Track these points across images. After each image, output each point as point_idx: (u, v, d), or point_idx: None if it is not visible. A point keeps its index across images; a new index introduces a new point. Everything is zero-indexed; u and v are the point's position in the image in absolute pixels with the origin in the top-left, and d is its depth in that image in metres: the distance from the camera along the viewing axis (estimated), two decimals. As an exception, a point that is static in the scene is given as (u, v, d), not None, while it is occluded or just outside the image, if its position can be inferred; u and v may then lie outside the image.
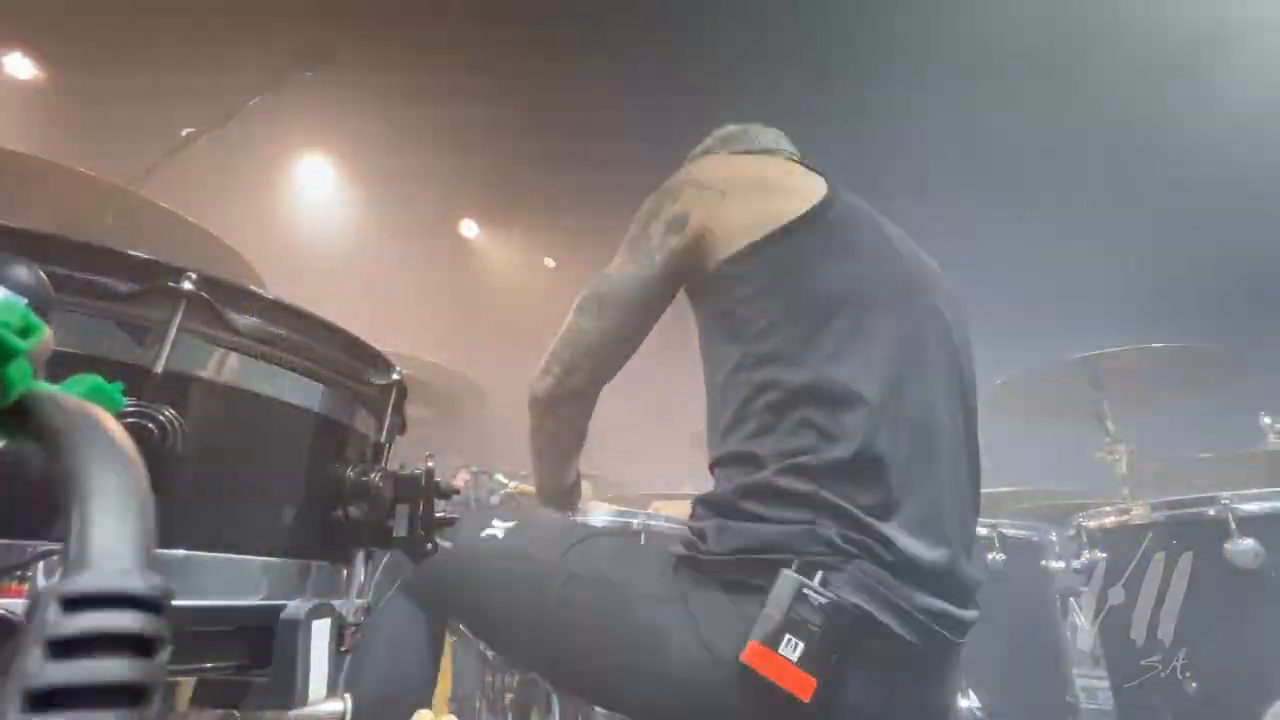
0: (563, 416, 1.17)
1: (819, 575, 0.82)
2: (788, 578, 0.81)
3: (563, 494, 1.32)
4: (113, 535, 0.26)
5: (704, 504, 0.95)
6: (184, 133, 2.11)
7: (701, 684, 0.84)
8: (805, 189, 1.05)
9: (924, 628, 0.84)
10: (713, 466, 0.99)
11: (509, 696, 1.86)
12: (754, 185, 1.06)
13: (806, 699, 0.75)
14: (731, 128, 1.35)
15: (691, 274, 1.07)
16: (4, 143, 1.37)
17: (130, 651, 0.24)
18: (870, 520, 0.85)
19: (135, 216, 1.54)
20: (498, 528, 1.09)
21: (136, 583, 0.25)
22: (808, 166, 1.16)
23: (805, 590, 0.79)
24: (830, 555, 0.83)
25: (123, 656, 0.24)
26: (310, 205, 4.00)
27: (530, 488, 1.59)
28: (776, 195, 1.04)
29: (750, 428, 0.94)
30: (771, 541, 0.85)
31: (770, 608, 0.80)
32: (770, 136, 1.33)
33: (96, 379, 0.37)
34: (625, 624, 0.92)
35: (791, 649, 0.77)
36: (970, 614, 0.92)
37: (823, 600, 0.79)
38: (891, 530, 0.85)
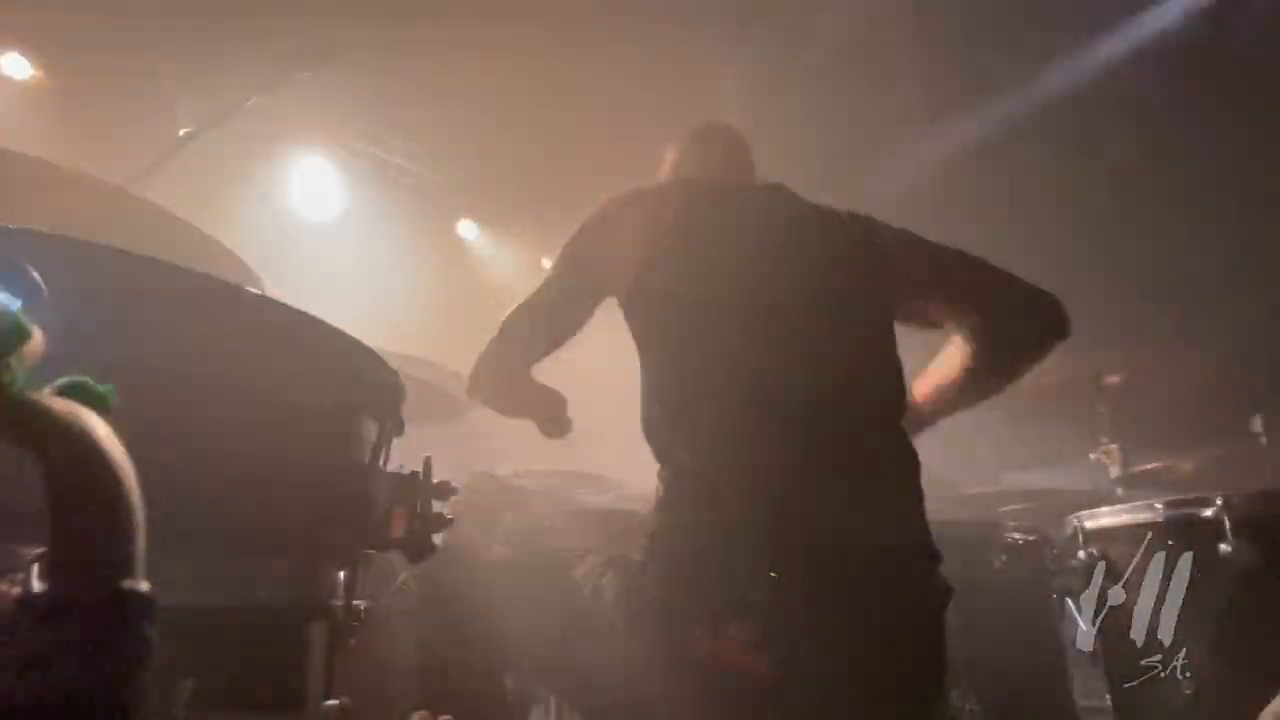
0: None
1: (761, 558, 0.86)
2: (729, 564, 0.86)
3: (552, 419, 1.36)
4: (95, 542, 0.25)
5: (650, 513, 1.02)
6: (181, 133, 2.11)
7: (669, 681, 0.88)
8: (667, 216, 1.15)
9: (867, 591, 0.89)
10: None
11: (508, 697, 1.86)
12: (636, 225, 1.17)
13: (763, 676, 0.81)
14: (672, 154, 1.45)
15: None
16: (2, 143, 1.36)
17: (109, 661, 0.23)
18: (792, 511, 0.91)
19: (132, 217, 1.54)
20: (496, 554, 1.26)
21: (119, 590, 0.25)
22: (690, 181, 1.29)
23: (748, 574, 0.85)
24: (765, 538, 0.88)
25: (100, 667, 0.23)
26: (308, 206, 3.99)
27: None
28: (650, 230, 1.15)
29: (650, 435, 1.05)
30: (709, 534, 0.91)
31: (716, 597, 0.85)
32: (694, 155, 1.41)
33: (87, 381, 0.36)
34: (597, 640, 0.99)
35: (741, 631, 0.82)
36: (908, 568, 0.96)
37: (764, 580, 0.84)
38: (811, 516, 0.91)
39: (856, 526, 0.91)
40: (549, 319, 1.25)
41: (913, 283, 1.16)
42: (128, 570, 0.25)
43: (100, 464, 0.28)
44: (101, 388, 0.36)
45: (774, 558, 0.87)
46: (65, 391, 0.35)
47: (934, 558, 0.98)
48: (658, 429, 1.04)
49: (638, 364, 1.23)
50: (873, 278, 1.15)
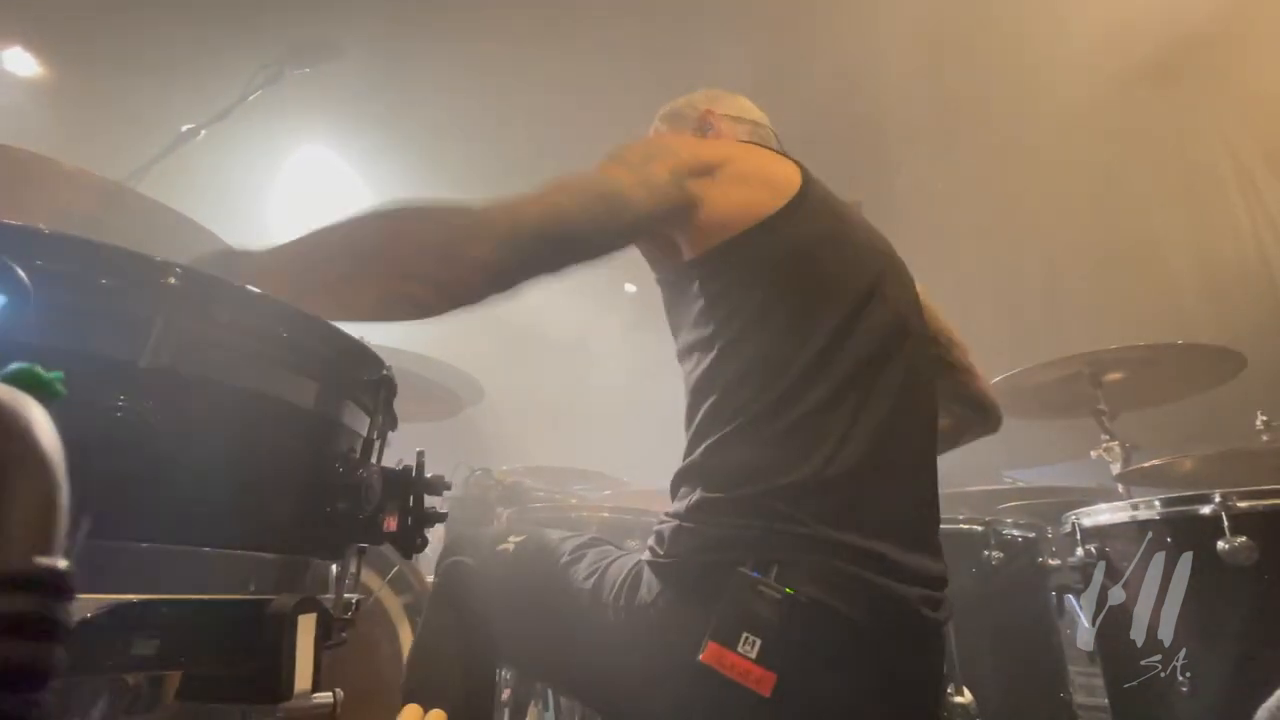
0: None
1: (774, 570, 0.81)
2: (742, 575, 0.81)
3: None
4: (11, 519, 0.26)
5: (671, 510, 0.95)
6: (183, 128, 2.11)
7: (668, 686, 0.84)
8: (783, 179, 1.01)
9: (883, 613, 0.84)
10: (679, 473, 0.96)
11: (505, 693, 1.87)
12: (740, 177, 1.01)
13: (767, 694, 0.76)
14: (680, 103, 1.33)
15: (666, 239, 1.02)
16: (3, 139, 1.37)
17: (21, 638, 0.24)
18: (824, 526, 0.84)
19: (132, 212, 1.54)
20: (509, 543, 1.12)
21: (35, 566, 0.25)
22: (778, 152, 1.12)
23: (761, 587, 0.80)
24: (783, 549, 0.83)
25: (10, 644, 0.24)
26: (310, 201, 3.99)
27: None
28: (758, 187, 1.00)
29: (719, 439, 0.91)
30: (725, 540, 0.85)
31: (725, 606, 0.80)
32: (737, 107, 1.30)
33: (33, 367, 0.36)
34: (599, 632, 0.93)
35: (750, 646, 0.77)
36: (927, 592, 0.90)
37: (778, 595, 0.79)
38: (844, 532, 0.84)
39: (888, 556, 0.85)
40: (632, 229, 0.95)
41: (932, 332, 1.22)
42: (45, 548, 0.26)
43: (26, 445, 0.28)
44: (48, 374, 0.36)
45: (797, 572, 0.81)
46: (10, 378, 0.35)
47: (944, 592, 0.94)
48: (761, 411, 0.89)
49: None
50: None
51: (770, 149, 1.17)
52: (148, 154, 2.02)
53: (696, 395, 0.98)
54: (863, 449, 0.89)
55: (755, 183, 1.01)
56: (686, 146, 1.04)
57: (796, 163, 1.07)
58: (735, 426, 0.90)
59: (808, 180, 1.02)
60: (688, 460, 0.95)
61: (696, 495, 0.90)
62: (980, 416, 1.34)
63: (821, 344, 0.92)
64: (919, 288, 1.18)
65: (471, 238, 0.85)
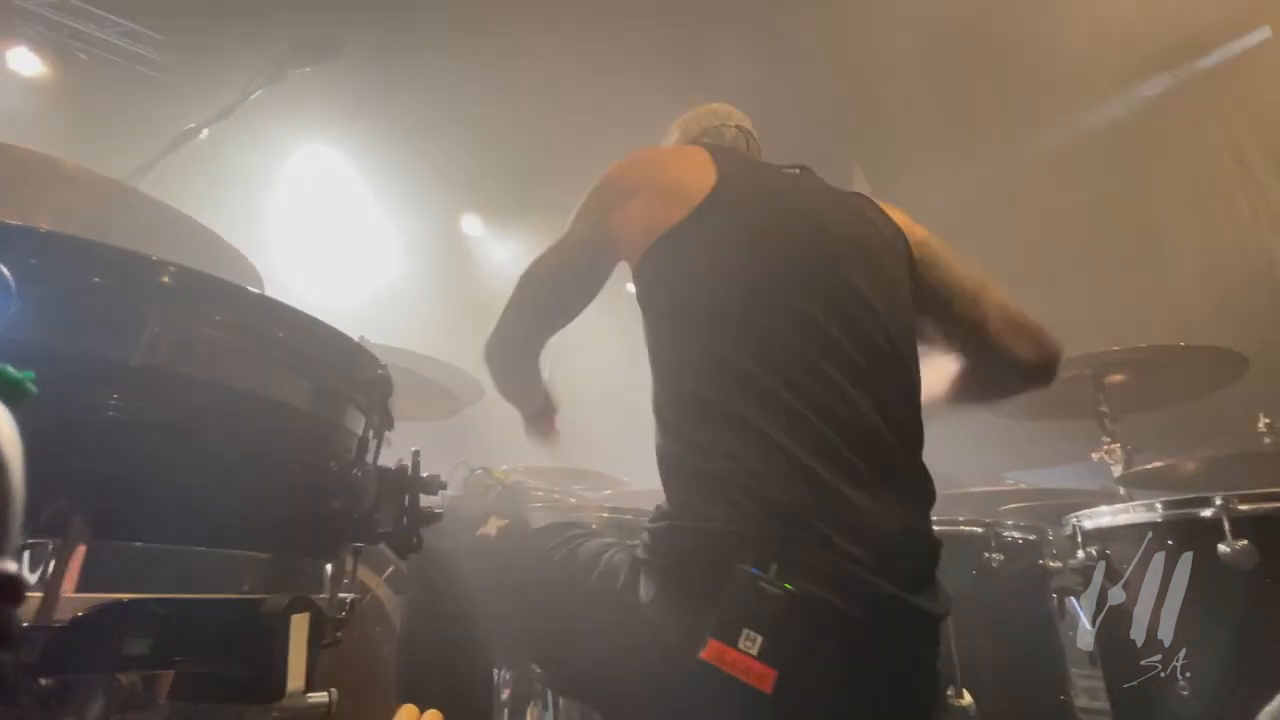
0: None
1: (774, 568, 0.81)
2: (742, 572, 0.81)
3: (538, 414, 1.41)
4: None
5: (660, 508, 0.95)
6: (188, 127, 2.11)
7: (670, 684, 0.84)
8: (696, 185, 1.04)
9: (881, 607, 0.84)
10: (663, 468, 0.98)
11: (505, 693, 1.86)
12: (660, 188, 1.07)
13: (768, 690, 0.76)
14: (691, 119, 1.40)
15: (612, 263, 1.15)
16: (5, 138, 1.37)
17: None
18: (819, 522, 0.85)
19: (133, 211, 1.54)
20: (491, 526, 1.11)
21: None
22: (716, 155, 1.12)
23: (761, 584, 0.80)
24: (780, 546, 0.83)
25: None
26: (312, 200, 4.00)
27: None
28: (671, 199, 1.04)
29: (690, 438, 0.93)
30: (719, 538, 0.86)
31: (725, 604, 0.80)
32: (718, 118, 1.36)
33: (2, 368, 0.35)
34: (597, 630, 0.93)
35: (751, 643, 0.78)
36: (920, 585, 0.91)
37: (778, 592, 0.79)
38: (838, 528, 0.85)
39: (883, 551, 0.86)
40: (578, 281, 1.17)
41: (931, 290, 1.18)
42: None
43: None
44: (19, 374, 0.36)
45: (796, 569, 0.81)
46: None
47: (938, 585, 0.94)
48: (699, 406, 0.92)
49: (635, 360, 1.18)
50: (904, 267, 1.14)
51: (700, 146, 1.20)
52: (148, 154, 2.03)
53: (659, 392, 1.00)
54: (846, 438, 0.89)
55: (667, 197, 1.05)
56: (610, 179, 1.15)
57: (718, 161, 1.08)
58: (698, 422, 0.92)
59: (724, 178, 1.04)
60: (669, 459, 0.96)
61: (685, 494, 0.91)
62: (1016, 372, 1.24)
63: (762, 336, 0.93)
64: (930, 240, 1.20)
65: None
